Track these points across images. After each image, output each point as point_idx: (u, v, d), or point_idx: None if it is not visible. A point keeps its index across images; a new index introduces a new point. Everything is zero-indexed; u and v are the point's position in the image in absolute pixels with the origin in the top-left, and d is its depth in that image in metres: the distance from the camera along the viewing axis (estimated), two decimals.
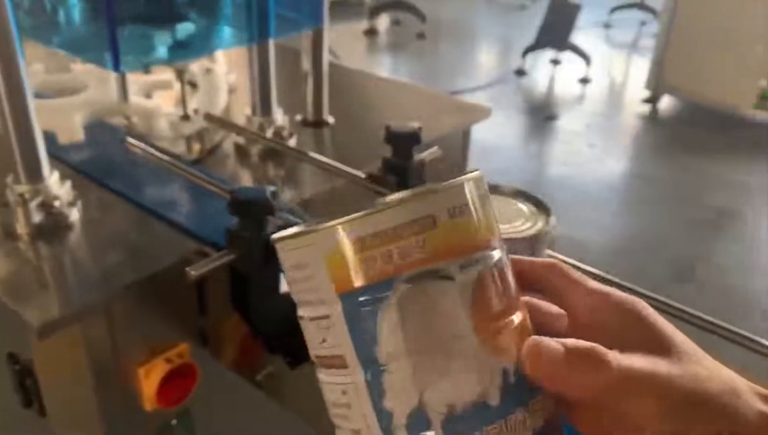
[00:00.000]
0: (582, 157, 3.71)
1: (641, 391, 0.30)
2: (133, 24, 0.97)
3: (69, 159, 1.04)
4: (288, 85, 1.25)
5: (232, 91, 1.36)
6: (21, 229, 0.87)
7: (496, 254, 0.32)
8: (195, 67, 1.33)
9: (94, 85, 1.22)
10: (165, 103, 1.26)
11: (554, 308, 0.36)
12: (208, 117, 1.17)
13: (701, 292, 2.52)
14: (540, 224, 0.58)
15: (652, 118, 4.26)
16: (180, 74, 1.20)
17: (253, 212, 0.74)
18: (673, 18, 4.03)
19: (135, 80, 1.25)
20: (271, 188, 0.75)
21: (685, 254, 2.85)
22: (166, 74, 1.32)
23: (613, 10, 5.88)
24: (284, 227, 0.73)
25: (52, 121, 1.05)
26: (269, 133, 1.13)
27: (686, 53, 4.02)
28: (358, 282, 0.30)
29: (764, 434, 0.29)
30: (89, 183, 0.99)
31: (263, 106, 1.14)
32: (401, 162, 0.91)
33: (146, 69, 1.30)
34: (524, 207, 0.60)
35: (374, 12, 5.74)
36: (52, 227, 0.89)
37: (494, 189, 0.61)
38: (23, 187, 0.87)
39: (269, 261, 0.74)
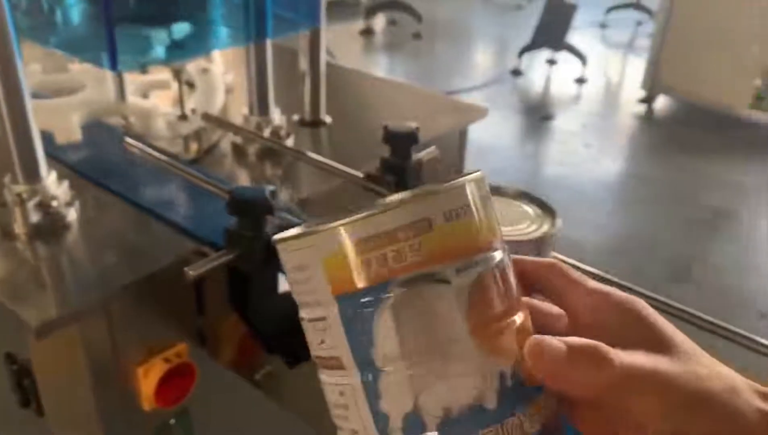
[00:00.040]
0: (578, 157, 3.72)
1: (643, 389, 0.30)
2: (130, 24, 0.97)
3: (66, 159, 1.04)
4: (285, 85, 1.25)
5: (229, 90, 1.36)
6: (18, 228, 0.87)
7: (498, 255, 0.32)
8: (192, 67, 1.33)
9: (92, 85, 1.22)
10: (162, 103, 1.26)
11: (555, 309, 0.36)
12: (206, 117, 1.17)
13: (697, 291, 2.52)
14: (546, 226, 0.58)
15: (648, 118, 4.27)
16: (177, 74, 1.20)
17: (253, 212, 0.74)
18: (668, 18, 4.04)
19: (132, 80, 1.25)
20: (270, 188, 0.75)
21: (681, 254, 2.85)
22: (162, 74, 1.32)
23: (609, 10, 5.89)
24: (283, 227, 0.73)
25: (49, 121, 1.05)
26: (266, 133, 1.13)
27: (682, 53, 4.02)
28: (354, 284, 0.30)
29: (764, 432, 0.30)
30: (87, 183, 0.99)
31: (260, 105, 1.14)
32: (399, 162, 0.91)
33: (143, 69, 1.30)
34: (529, 209, 0.60)
35: (370, 12, 5.74)
36: (50, 227, 0.89)
37: (498, 190, 0.61)
38: (21, 187, 0.87)
39: (268, 261, 0.74)
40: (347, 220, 0.30)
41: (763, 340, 0.62)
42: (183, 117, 1.19)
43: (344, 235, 0.30)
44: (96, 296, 0.80)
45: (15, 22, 0.80)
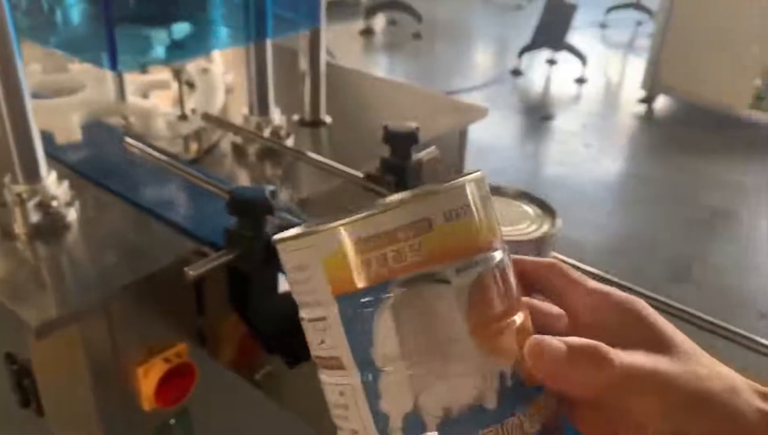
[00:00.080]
0: (578, 157, 3.72)
1: (643, 389, 0.30)
2: (130, 24, 0.97)
3: (66, 159, 1.04)
4: (285, 85, 1.25)
5: (229, 91, 1.36)
6: (18, 228, 0.87)
7: (498, 255, 0.32)
8: (191, 66, 1.33)
9: (92, 85, 1.22)
10: (162, 103, 1.26)
11: (554, 309, 0.36)
12: (206, 117, 1.17)
13: (697, 291, 2.52)
14: (546, 226, 0.58)
15: (648, 118, 4.27)
16: (178, 74, 1.20)
17: (253, 212, 0.74)
18: (668, 18, 4.04)
19: (132, 80, 1.25)
20: (270, 187, 0.75)
21: (681, 254, 2.85)
22: (162, 74, 1.32)
23: (609, 10, 5.89)
24: (283, 227, 0.73)
25: (49, 121, 1.05)
26: (266, 133, 1.13)
27: (682, 53, 4.02)
28: (354, 284, 0.30)
29: (764, 433, 0.30)
30: (87, 183, 0.99)
31: (260, 105, 1.14)
32: (399, 162, 0.91)
33: (143, 69, 1.30)
34: (529, 209, 0.60)
35: (370, 12, 5.74)
36: (50, 227, 0.89)
37: (497, 190, 0.61)
38: (21, 187, 0.87)
39: (269, 260, 0.75)
40: (347, 220, 0.30)
41: (763, 340, 0.62)
42: (183, 117, 1.19)
43: (344, 235, 0.30)
44: (96, 296, 0.80)
45: (15, 22, 0.80)
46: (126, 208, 0.95)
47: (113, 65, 0.88)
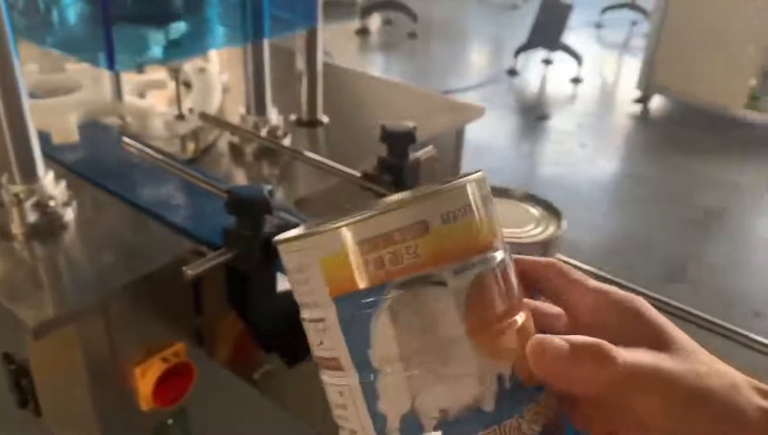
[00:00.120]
0: (574, 156, 3.73)
1: (646, 387, 0.30)
2: (127, 23, 0.97)
3: (64, 159, 1.03)
4: (282, 85, 1.25)
5: (224, 90, 1.36)
6: (16, 229, 0.87)
7: (498, 255, 0.32)
8: (188, 66, 1.33)
9: (89, 84, 1.22)
10: (159, 103, 1.26)
11: (554, 309, 0.36)
12: (203, 116, 1.17)
13: (692, 291, 2.53)
14: (552, 229, 0.58)
15: (644, 118, 4.28)
16: (175, 73, 1.19)
17: (251, 211, 0.74)
18: (663, 18, 4.05)
19: (128, 80, 1.25)
20: (268, 187, 0.75)
21: (676, 254, 2.86)
22: (159, 74, 1.32)
23: (605, 10, 5.90)
24: (281, 226, 0.73)
25: (46, 121, 1.04)
26: (264, 133, 1.13)
27: (677, 53, 4.03)
28: (351, 286, 0.30)
29: (764, 430, 0.30)
30: (84, 183, 0.99)
31: (258, 105, 1.14)
32: (397, 161, 0.91)
33: (140, 68, 1.30)
34: (534, 211, 0.60)
35: (366, 12, 5.74)
36: (47, 227, 0.88)
37: (504, 192, 0.61)
38: (18, 187, 0.87)
39: (267, 260, 0.75)
40: (345, 221, 0.30)
41: (760, 338, 0.63)
42: (180, 117, 1.19)
43: (342, 236, 0.30)
44: (94, 296, 0.80)
45: (12, 22, 0.80)
46: (123, 207, 0.95)
47: (111, 65, 0.88)
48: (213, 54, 1.41)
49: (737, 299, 2.53)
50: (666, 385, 0.30)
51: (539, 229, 0.57)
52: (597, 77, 5.02)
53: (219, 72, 1.38)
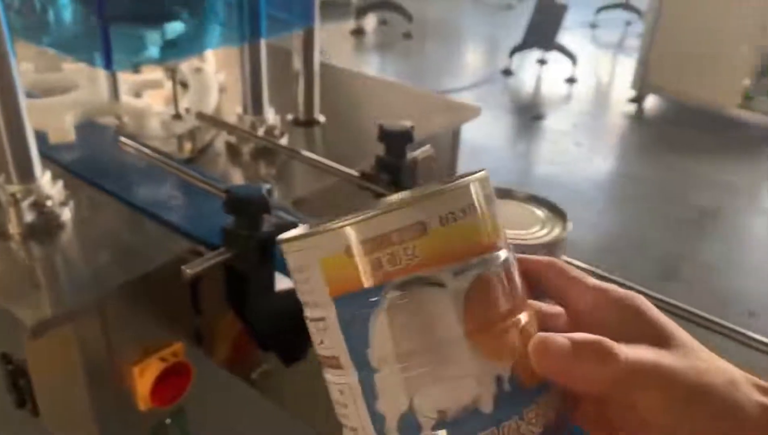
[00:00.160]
0: (569, 156, 3.74)
1: (647, 384, 0.30)
2: (124, 23, 0.96)
3: (61, 159, 1.03)
4: (279, 85, 1.25)
5: (221, 90, 1.36)
6: (13, 228, 0.87)
7: (502, 255, 0.32)
8: (184, 66, 1.33)
9: (85, 84, 1.22)
10: (155, 103, 1.26)
11: (554, 308, 0.37)
12: (200, 116, 1.17)
13: (687, 290, 2.54)
14: (557, 230, 0.58)
15: (638, 118, 4.29)
16: (172, 73, 1.19)
17: (250, 210, 0.74)
18: (658, 18, 4.07)
19: (125, 79, 1.25)
20: (266, 186, 0.75)
21: (670, 253, 2.87)
22: (155, 73, 1.31)
23: (599, 10, 5.92)
24: (279, 225, 0.73)
25: (43, 121, 1.04)
26: (261, 132, 1.13)
27: (671, 53, 4.05)
28: (351, 286, 0.30)
29: (764, 426, 0.30)
30: (81, 183, 0.99)
31: (255, 105, 1.14)
32: (394, 160, 0.91)
33: (136, 68, 1.30)
34: (539, 212, 0.60)
35: (361, 12, 5.74)
36: (44, 227, 0.88)
37: (507, 193, 0.61)
38: (15, 187, 0.87)
39: (265, 259, 0.75)
40: (345, 222, 0.30)
41: (757, 336, 0.63)
42: (177, 116, 1.19)
43: (341, 237, 0.30)
44: (91, 296, 0.80)
45: (9, 22, 0.80)
46: (120, 207, 0.94)
47: (108, 65, 0.88)
48: (209, 54, 1.41)
49: (732, 299, 2.54)
50: (667, 381, 0.30)
51: (545, 231, 0.57)
52: (592, 77, 5.04)
53: (215, 72, 1.37)
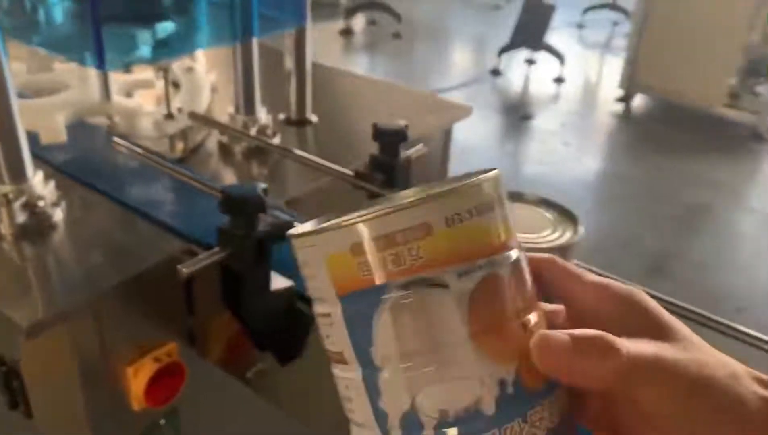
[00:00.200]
0: (557, 155, 3.75)
1: (650, 377, 0.30)
2: (116, 23, 0.96)
3: (52, 159, 1.03)
4: (271, 84, 1.25)
5: (213, 90, 1.36)
6: (5, 229, 0.86)
7: (513, 254, 0.32)
8: (176, 65, 1.32)
9: (76, 84, 1.21)
10: (146, 102, 1.25)
11: (555, 305, 0.37)
12: (193, 115, 1.17)
13: (675, 287, 2.56)
14: (569, 234, 0.58)
15: (626, 117, 4.32)
16: (164, 73, 1.19)
17: (245, 210, 0.73)
18: (645, 18, 4.09)
19: (116, 79, 1.24)
20: (262, 185, 0.75)
21: (658, 251, 2.89)
22: (146, 73, 1.31)
23: (586, 10, 5.95)
24: (275, 225, 0.73)
25: (35, 121, 1.04)
26: (253, 132, 1.13)
27: (658, 53, 4.08)
28: (355, 284, 0.30)
29: (765, 418, 0.30)
30: (73, 183, 0.98)
31: (247, 105, 1.14)
32: (388, 159, 0.91)
33: (127, 68, 1.29)
34: (549, 215, 0.60)
35: (350, 12, 5.74)
36: (37, 227, 0.88)
37: (519, 197, 0.61)
38: (7, 188, 0.86)
39: (261, 259, 0.74)
40: (352, 219, 0.30)
41: (749, 331, 0.64)
42: (169, 116, 1.19)
43: (348, 234, 0.30)
44: (84, 296, 0.79)
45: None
46: (113, 207, 0.94)
47: (100, 64, 0.87)
48: (200, 53, 1.40)
49: (720, 295, 2.56)
50: (669, 374, 0.30)
51: (556, 235, 0.57)
52: (579, 77, 5.06)
53: (207, 71, 1.37)
